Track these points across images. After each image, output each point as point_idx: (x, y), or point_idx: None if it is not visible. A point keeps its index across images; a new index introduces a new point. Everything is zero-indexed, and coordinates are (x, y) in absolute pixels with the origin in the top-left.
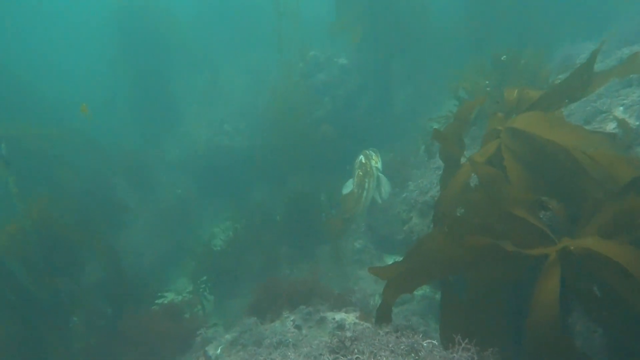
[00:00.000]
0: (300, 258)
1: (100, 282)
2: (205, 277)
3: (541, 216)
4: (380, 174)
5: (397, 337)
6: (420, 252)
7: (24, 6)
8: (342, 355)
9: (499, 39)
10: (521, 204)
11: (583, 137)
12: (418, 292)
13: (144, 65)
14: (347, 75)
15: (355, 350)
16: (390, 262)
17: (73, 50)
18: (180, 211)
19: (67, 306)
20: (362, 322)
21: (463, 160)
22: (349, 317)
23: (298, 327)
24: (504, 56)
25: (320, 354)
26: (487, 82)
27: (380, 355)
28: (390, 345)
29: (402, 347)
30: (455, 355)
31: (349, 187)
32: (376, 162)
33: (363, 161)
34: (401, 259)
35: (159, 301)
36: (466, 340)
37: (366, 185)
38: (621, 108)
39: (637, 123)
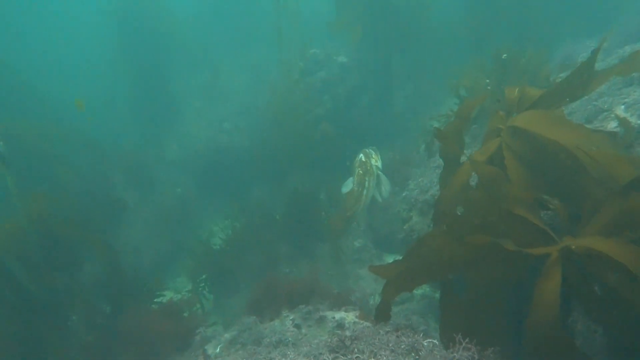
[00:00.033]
0: (299, 257)
1: (99, 281)
2: (204, 276)
3: (542, 215)
4: (380, 173)
5: (397, 337)
6: (420, 251)
7: (24, 5)
8: (342, 355)
9: (500, 37)
10: (522, 203)
11: (584, 136)
12: (418, 291)
13: (144, 64)
14: (347, 73)
15: (355, 349)
16: (390, 261)
17: (73, 49)
18: (180, 210)
19: (66, 304)
20: (361, 321)
21: (463, 159)
22: (349, 316)
23: (297, 326)
24: (505, 54)
25: (320, 353)
26: (488, 80)
27: (380, 355)
28: (390, 345)
29: (402, 347)
30: (456, 354)
31: (348, 185)
32: (376, 160)
33: (363, 160)
34: (401, 258)
35: (158, 300)
36: (467, 340)
37: (366, 183)
38: (622, 107)
39: (639, 122)
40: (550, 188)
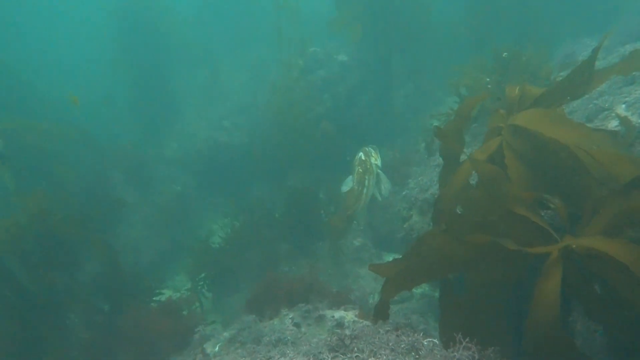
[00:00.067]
0: (299, 255)
1: (98, 279)
2: (203, 275)
3: (542, 215)
4: (380, 172)
5: (397, 336)
6: (419, 250)
7: (24, 4)
8: (342, 354)
9: (500, 36)
10: (522, 202)
11: (585, 135)
12: (417, 290)
13: (144, 63)
14: (347, 72)
15: (355, 348)
16: (390, 260)
17: (73, 48)
18: (179, 208)
19: (65, 303)
20: (361, 320)
21: (463, 157)
22: (348, 315)
23: (297, 325)
24: (505, 53)
25: (320, 352)
26: (488, 79)
27: (380, 354)
28: (390, 344)
29: (402, 346)
30: (456, 354)
31: (348, 184)
32: (376, 159)
33: (363, 158)
34: (401, 257)
35: (157, 298)
36: (467, 339)
37: (366, 182)
38: (623, 105)
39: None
40: (551, 187)
